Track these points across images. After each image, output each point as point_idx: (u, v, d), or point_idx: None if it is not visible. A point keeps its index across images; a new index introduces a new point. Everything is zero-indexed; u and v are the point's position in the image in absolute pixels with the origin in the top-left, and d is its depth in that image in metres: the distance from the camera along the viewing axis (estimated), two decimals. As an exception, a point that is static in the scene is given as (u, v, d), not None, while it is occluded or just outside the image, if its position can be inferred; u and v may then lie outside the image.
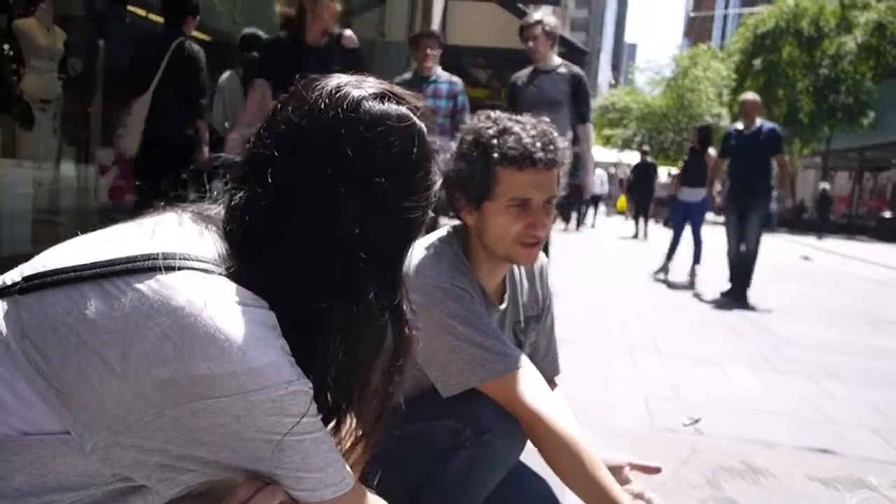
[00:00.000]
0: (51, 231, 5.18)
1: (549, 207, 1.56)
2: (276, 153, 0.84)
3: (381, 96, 0.87)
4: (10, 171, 4.91)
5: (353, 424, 0.99)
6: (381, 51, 12.45)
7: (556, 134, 1.57)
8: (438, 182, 0.93)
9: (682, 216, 8.63)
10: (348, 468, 0.86)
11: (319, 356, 0.83)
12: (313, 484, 0.80)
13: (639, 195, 15.94)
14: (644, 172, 15.75)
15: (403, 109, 0.88)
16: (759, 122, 7.13)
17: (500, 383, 1.51)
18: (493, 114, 1.60)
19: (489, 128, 1.55)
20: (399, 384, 0.98)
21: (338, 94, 0.85)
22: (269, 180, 0.83)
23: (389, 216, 0.87)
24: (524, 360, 1.55)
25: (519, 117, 1.58)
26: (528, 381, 1.52)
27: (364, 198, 0.83)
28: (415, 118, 0.89)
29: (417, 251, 1.61)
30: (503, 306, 1.71)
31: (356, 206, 0.83)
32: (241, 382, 0.73)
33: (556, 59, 5.18)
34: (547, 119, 1.60)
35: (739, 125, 7.29)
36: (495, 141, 1.52)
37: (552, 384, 1.88)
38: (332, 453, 0.83)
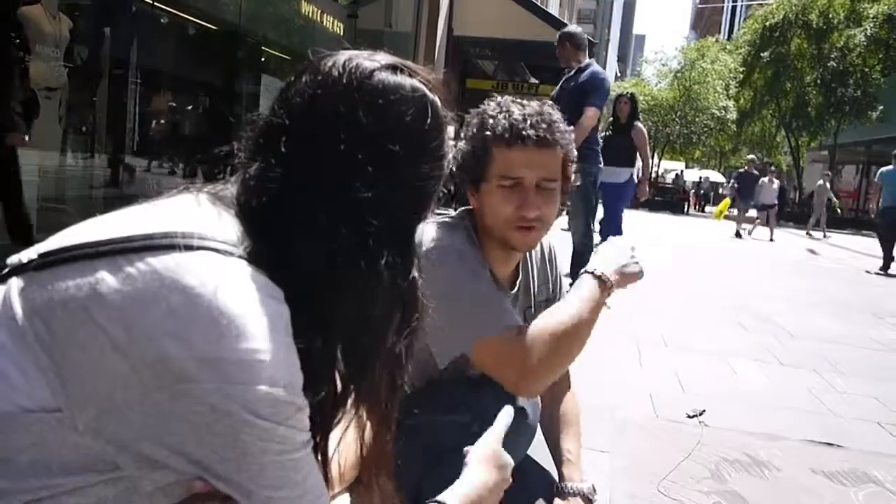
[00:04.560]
0: (56, 219, 5.19)
1: (545, 190, 1.55)
2: (290, 122, 0.85)
3: (394, 67, 0.89)
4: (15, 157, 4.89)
5: (366, 410, 0.98)
6: (388, 41, 12.42)
7: (556, 116, 1.57)
8: (451, 153, 0.94)
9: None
10: None
11: (332, 326, 0.83)
12: (261, 501, 0.77)
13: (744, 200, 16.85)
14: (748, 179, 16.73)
15: (416, 81, 0.89)
16: (584, 63, 5.51)
17: (495, 342, 1.48)
18: (500, 98, 1.61)
19: (491, 109, 1.57)
20: (409, 357, 0.96)
21: (351, 65, 0.87)
22: (283, 149, 0.84)
23: (402, 184, 0.87)
24: (518, 322, 1.53)
25: (525, 101, 1.59)
26: (524, 340, 1.48)
27: (378, 164, 0.84)
28: (427, 90, 0.89)
29: (429, 224, 1.61)
30: (514, 291, 1.71)
31: (370, 172, 0.83)
32: (227, 372, 0.72)
33: None
34: (550, 103, 1.61)
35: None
36: (491, 120, 1.54)
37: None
38: (297, 476, 0.79)
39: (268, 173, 0.84)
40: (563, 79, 5.71)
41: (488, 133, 1.53)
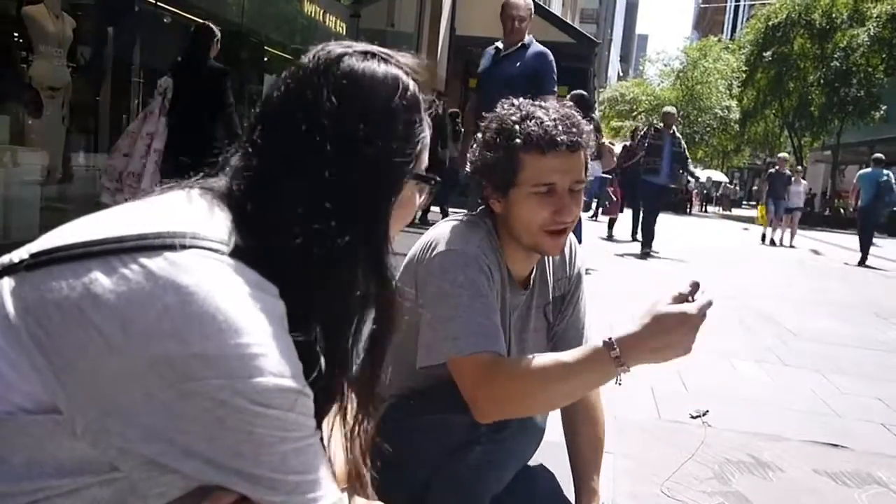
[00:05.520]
0: (59, 218, 5.18)
1: (575, 193, 1.54)
2: (262, 111, 0.88)
3: (365, 53, 0.90)
4: (19, 158, 4.91)
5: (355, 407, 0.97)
6: (390, 40, 12.44)
7: (579, 117, 1.55)
8: (426, 135, 0.93)
9: None
10: (335, 489, 0.83)
11: (310, 314, 0.82)
12: (290, 487, 0.77)
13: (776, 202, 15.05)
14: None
15: (389, 66, 0.89)
16: (528, 40, 4.93)
17: (465, 361, 1.45)
18: (516, 101, 1.59)
19: (512, 114, 1.54)
20: (384, 353, 0.96)
21: (321, 52, 0.89)
22: (257, 139, 0.86)
23: (369, 164, 0.86)
24: (500, 349, 1.49)
25: (543, 103, 1.57)
26: (494, 369, 1.44)
27: (340, 145, 0.84)
28: (400, 72, 0.90)
29: (452, 222, 1.62)
30: (529, 289, 1.70)
31: (330, 153, 0.83)
32: (232, 367, 0.72)
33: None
34: (570, 103, 1.59)
35: (500, 43, 5.06)
36: (518, 126, 1.51)
37: None
38: (316, 461, 0.80)
39: (243, 163, 0.86)
40: (500, 55, 4.95)
41: (518, 141, 1.50)
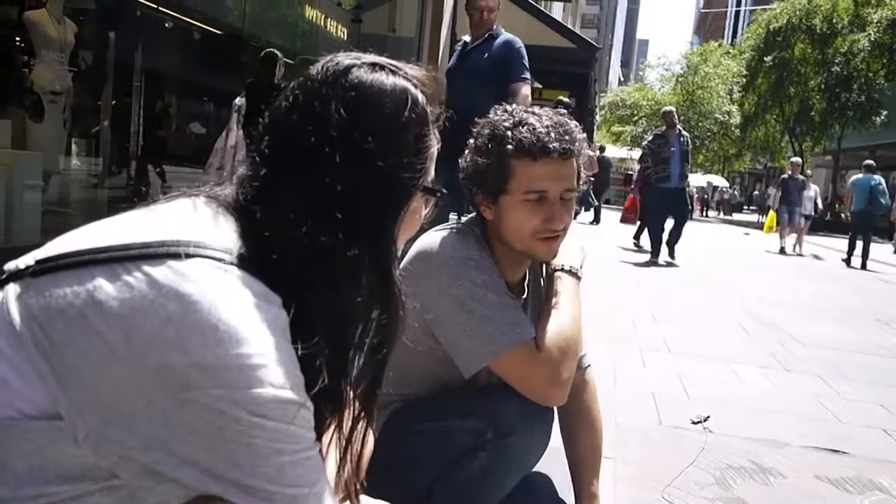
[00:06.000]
0: (60, 222, 5.20)
1: (567, 200, 1.54)
2: (270, 122, 0.88)
3: (374, 65, 0.89)
4: (20, 162, 4.91)
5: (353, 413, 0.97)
6: (391, 45, 12.46)
7: (572, 125, 1.55)
8: (434, 147, 0.93)
9: None
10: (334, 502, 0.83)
11: (314, 324, 0.82)
12: (286, 500, 0.77)
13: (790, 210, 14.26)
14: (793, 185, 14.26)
15: (397, 78, 0.89)
16: (496, 30, 4.66)
17: (512, 356, 1.47)
18: (509, 107, 1.58)
19: (505, 120, 1.54)
20: (386, 362, 0.95)
21: (330, 63, 0.89)
22: (264, 149, 0.86)
23: (377, 176, 0.86)
24: (533, 332, 1.53)
25: (536, 109, 1.56)
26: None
27: (348, 157, 0.84)
28: (409, 84, 0.90)
29: (440, 231, 1.61)
30: (524, 297, 1.71)
31: (339, 165, 0.84)
32: (231, 377, 0.72)
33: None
34: (564, 111, 1.60)
35: (467, 37, 4.85)
36: (510, 133, 1.50)
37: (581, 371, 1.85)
38: (315, 474, 0.80)
39: (250, 173, 0.86)
40: (468, 47, 4.74)
41: (510, 147, 1.49)
